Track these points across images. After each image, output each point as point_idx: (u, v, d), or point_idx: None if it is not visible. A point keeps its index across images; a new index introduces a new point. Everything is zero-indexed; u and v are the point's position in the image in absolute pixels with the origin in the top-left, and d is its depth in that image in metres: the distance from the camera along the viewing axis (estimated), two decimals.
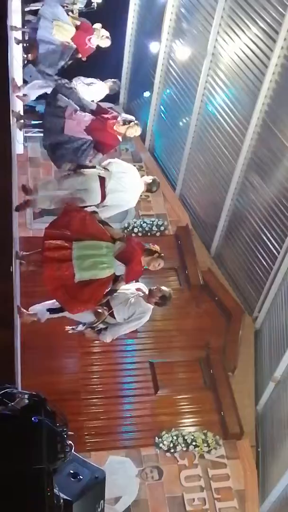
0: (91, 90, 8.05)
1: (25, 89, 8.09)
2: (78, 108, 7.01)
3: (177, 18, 9.80)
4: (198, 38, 9.31)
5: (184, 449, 7.63)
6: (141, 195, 6.75)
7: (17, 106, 7.94)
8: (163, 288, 5.86)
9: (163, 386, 8.16)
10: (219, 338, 8.76)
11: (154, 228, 9.72)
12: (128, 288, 5.87)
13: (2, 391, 3.62)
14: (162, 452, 7.63)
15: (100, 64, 8.64)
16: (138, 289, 5.93)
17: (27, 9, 8.39)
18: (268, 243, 8.33)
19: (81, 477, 3.85)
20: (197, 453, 7.67)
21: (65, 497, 3.60)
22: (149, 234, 9.58)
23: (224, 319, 8.98)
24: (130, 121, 6.86)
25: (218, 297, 9.12)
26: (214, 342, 8.68)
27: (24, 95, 8.06)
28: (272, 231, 8.22)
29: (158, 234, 9.66)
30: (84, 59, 8.34)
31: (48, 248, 5.49)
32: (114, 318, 5.82)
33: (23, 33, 8.17)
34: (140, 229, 9.60)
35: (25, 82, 8.41)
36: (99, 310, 5.66)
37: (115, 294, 5.73)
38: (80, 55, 8.23)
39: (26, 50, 8.25)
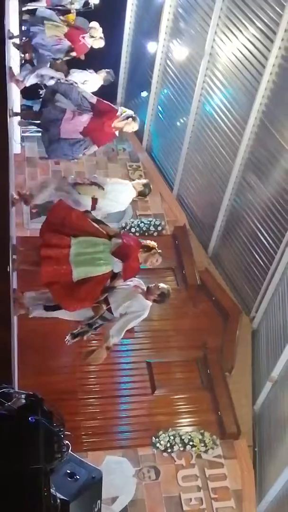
0: (86, 86, 8.05)
1: (21, 74, 8.07)
2: (76, 109, 6.97)
3: (175, 18, 9.81)
4: (196, 38, 9.32)
5: (181, 449, 7.64)
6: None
7: (15, 105, 7.95)
8: (162, 285, 5.83)
9: (160, 386, 8.17)
10: (217, 338, 8.76)
11: (152, 228, 9.73)
12: (127, 285, 5.86)
13: None
14: (159, 452, 7.63)
15: (98, 64, 8.64)
16: (136, 286, 5.91)
17: (24, 8, 8.41)
18: (266, 243, 8.34)
19: (78, 477, 3.85)
20: (194, 453, 7.67)
21: (62, 497, 3.59)
22: (146, 234, 9.58)
23: (221, 319, 8.98)
24: (129, 117, 6.86)
25: (215, 297, 9.12)
26: (212, 342, 8.69)
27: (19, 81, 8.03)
28: (270, 231, 8.23)
29: (155, 234, 9.67)
30: (82, 57, 8.37)
31: (45, 245, 5.48)
32: (112, 313, 5.80)
33: (21, 33, 8.18)
34: (138, 229, 9.61)
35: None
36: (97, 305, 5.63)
37: (114, 290, 5.71)
38: (75, 53, 8.26)
39: (22, 50, 8.27)
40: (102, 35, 8.27)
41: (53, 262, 5.41)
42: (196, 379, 8.40)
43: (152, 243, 5.83)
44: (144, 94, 11.10)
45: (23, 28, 8.21)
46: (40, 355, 7.61)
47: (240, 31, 8.22)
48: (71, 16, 8.72)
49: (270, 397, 7.98)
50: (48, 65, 8.18)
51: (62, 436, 3.51)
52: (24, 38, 8.13)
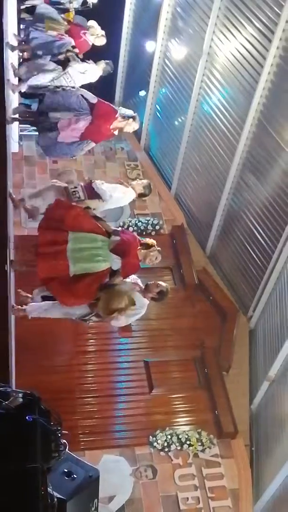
0: (86, 76, 8.02)
1: (21, 71, 8.03)
2: (73, 115, 6.92)
3: (173, 17, 9.81)
4: (194, 38, 9.32)
5: (178, 448, 7.65)
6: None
7: (13, 104, 7.92)
8: (161, 283, 5.80)
9: (157, 385, 8.17)
10: (214, 337, 8.77)
11: (149, 227, 9.73)
12: (125, 283, 5.83)
13: None
14: (156, 451, 7.64)
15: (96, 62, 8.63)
16: (134, 284, 5.90)
17: (22, 7, 8.38)
18: (263, 243, 8.34)
19: (75, 476, 3.85)
20: (191, 452, 7.68)
21: (59, 496, 3.59)
22: (144, 233, 9.57)
23: (219, 318, 8.99)
24: (129, 117, 6.85)
25: (213, 297, 9.13)
26: (209, 342, 8.69)
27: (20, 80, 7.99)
28: (267, 231, 8.24)
29: (153, 233, 9.66)
30: (80, 56, 8.35)
31: (42, 241, 5.47)
32: None
33: (19, 32, 8.16)
34: (135, 228, 9.60)
35: (20, 80, 8.38)
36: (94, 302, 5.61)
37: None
38: (77, 50, 8.23)
39: (21, 49, 8.24)
40: (103, 33, 8.25)
41: (50, 258, 5.40)
42: (193, 379, 8.41)
43: (151, 240, 5.82)
44: (142, 93, 11.10)
45: (22, 26, 8.19)
46: (37, 354, 7.60)
47: (239, 30, 8.23)
48: (70, 14, 8.71)
49: (268, 397, 7.99)
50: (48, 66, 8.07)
51: (59, 435, 3.50)
52: (22, 37, 8.10)
